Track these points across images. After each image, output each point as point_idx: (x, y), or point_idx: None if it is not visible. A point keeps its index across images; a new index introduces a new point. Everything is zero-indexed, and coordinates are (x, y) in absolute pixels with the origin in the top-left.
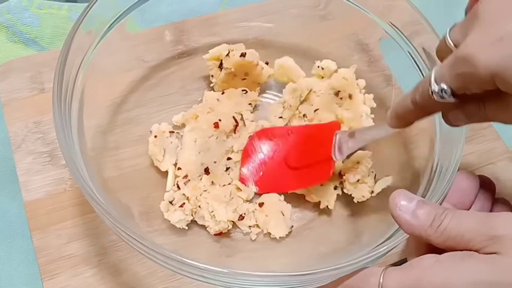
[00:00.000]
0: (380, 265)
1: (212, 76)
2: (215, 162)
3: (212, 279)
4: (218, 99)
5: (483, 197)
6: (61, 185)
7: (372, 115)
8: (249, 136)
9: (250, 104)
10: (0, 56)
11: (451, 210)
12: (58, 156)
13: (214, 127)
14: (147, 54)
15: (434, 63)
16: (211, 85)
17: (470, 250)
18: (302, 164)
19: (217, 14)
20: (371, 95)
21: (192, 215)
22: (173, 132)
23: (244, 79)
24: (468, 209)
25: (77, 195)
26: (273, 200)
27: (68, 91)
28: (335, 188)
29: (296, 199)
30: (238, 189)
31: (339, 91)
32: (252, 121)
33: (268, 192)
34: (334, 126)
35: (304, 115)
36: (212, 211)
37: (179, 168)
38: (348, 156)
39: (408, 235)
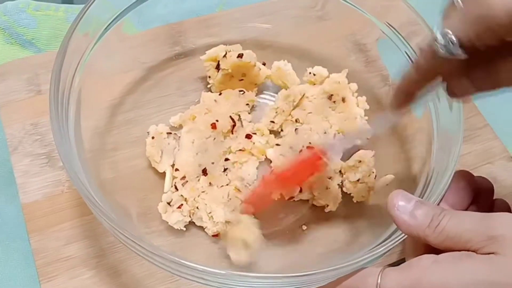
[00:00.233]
0: (379, 265)
1: (209, 77)
2: (212, 163)
3: (210, 281)
4: (215, 100)
5: (481, 197)
6: (58, 187)
7: (366, 117)
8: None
9: (247, 104)
10: None
11: (449, 211)
12: (56, 158)
13: (212, 128)
14: (144, 55)
15: None
16: (208, 86)
17: (468, 251)
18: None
19: (214, 15)
20: (364, 98)
21: (190, 216)
22: (170, 133)
23: (242, 80)
24: (466, 210)
25: (75, 197)
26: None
27: (65, 92)
28: (339, 185)
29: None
30: (236, 189)
31: (332, 95)
32: (250, 121)
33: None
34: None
35: (296, 120)
36: (210, 212)
37: (176, 169)
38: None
39: (406, 236)
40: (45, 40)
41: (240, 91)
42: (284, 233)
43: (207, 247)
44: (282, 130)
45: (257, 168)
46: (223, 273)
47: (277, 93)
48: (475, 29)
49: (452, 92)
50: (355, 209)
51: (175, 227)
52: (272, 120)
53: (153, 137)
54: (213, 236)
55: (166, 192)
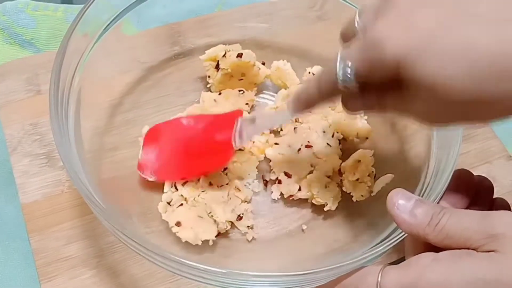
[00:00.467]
0: (378, 264)
1: (209, 76)
2: None
3: (211, 280)
4: (215, 100)
5: (481, 196)
6: (58, 187)
7: (366, 117)
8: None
9: (247, 104)
10: None
11: (449, 209)
12: (55, 158)
13: None
14: (143, 56)
15: None
16: (208, 85)
17: (468, 249)
18: (202, 150)
19: (213, 15)
20: None
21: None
22: None
23: (241, 79)
24: (466, 209)
25: (75, 197)
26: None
27: (64, 93)
28: (338, 184)
29: (297, 200)
30: (236, 189)
31: None
32: None
33: (167, 180)
34: (237, 114)
35: (296, 119)
36: (210, 212)
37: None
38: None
39: (406, 234)
40: (44, 40)
41: (239, 90)
42: (284, 232)
43: (207, 246)
44: (281, 130)
45: (257, 167)
46: (224, 272)
47: (276, 93)
48: (369, 66)
49: (345, 106)
50: (355, 208)
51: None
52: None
53: None
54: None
55: (166, 192)
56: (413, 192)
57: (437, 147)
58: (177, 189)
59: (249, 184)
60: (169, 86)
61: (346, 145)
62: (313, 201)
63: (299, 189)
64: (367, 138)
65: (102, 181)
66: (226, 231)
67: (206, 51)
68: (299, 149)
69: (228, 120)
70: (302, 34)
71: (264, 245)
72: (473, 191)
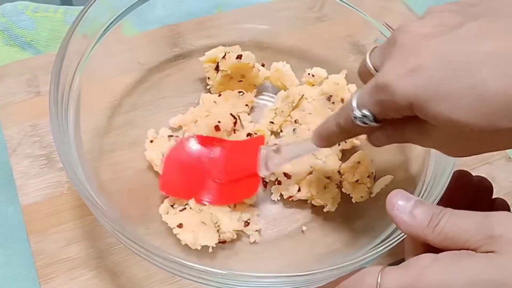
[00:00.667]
0: (378, 265)
1: (208, 78)
2: None
3: (211, 281)
4: (214, 101)
5: (480, 197)
6: (58, 188)
7: None
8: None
9: (246, 105)
10: None
11: (448, 210)
12: (55, 159)
13: (216, 130)
14: (143, 57)
15: None
16: (208, 87)
17: (467, 250)
18: (227, 179)
19: (213, 16)
20: None
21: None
22: (172, 136)
23: (241, 81)
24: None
25: (75, 198)
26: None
27: (64, 94)
28: (337, 185)
29: (297, 201)
30: None
31: (330, 96)
32: (251, 122)
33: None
34: (259, 141)
35: (295, 121)
36: (216, 222)
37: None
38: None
39: (405, 235)
40: (44, 42)
41: (239, 92)
42: (284, 233)
43: (207, 247)
44: (281, 131)
45: None
46: (224, 273)
47: (276, 94)
48: (383, 108)
49: (370, 141)
50: (354, 209)
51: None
52: (272, 121)
53: (151, 141)
54: (219, 242)
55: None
56: (412, 193)
57: None
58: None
59: None
60: (169, 88)
61: (345, 147)
62: (313, 202)
63: (299, 190)
64: (367, 139)
65: (102, 182)
66: (232, 240)
67: (205, 53)
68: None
69: (252, 147)
70: (302, 35)
71: (264, 246)
72: (473, 192)
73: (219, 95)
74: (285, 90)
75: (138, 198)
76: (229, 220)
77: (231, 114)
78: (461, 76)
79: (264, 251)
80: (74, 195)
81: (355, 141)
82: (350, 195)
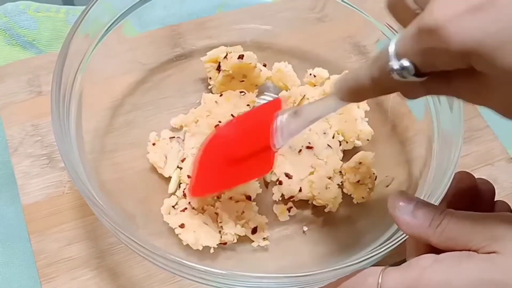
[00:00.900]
0: (379, 266)
1: (210, 78)
2: None
3: (211, 281)
4: (216, 101)
5: (482, 199)
6: (59, 188)
7: (367, 118)
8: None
9: (248, 105)
10: None
11: (450, 211)
12: (57, 159)
13: None
14: (144, 57)
15: None
16: (209, 87)
17: (469, 250)
18: (241, 157)
19: (214, 16)
20: None
21: None
22: (173, 137)
23: (242, 81)
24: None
25: (76, 198)
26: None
27: (66, 94)
28: (339, 186)
29: (298, 202)
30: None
31: None
32: None
33: (202, 195)
34: (275, 105)
35: None
36: (220, 222)
37: (189, 177)
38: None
39: (407, 236)
40: (46, 42)
41: (240, 92)
42: (285, 234)
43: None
44: None
45: None
46: (224, 273)
47: (277, 94)
48: (430, 58)
49: (405, 96)
50: (356, 210)
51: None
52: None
53: (153, 144)
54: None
55: (173, 193)
56: (414, 194)
57: (438, 149)
58: (185, 196)
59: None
60: (170, 88)
61: (347, 147)
62: (314, 202)
63: (300, 190)
64: (368, 140)
65: (103, 182)
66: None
67: (207, 53)
68: (300, 150)
69: (267, 113)
70: (303, 35)
71: (265, 247)
72: (474, 194)
73: (221, 95)
74: (286, 91)
75: (139, 198)
76: (233, 224)
77: (232, 115)
78: None
79: (264, 251)
80: (75, 194)
81: (357, 141)
82: (352, 196)
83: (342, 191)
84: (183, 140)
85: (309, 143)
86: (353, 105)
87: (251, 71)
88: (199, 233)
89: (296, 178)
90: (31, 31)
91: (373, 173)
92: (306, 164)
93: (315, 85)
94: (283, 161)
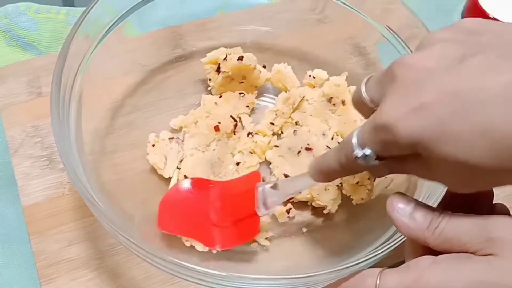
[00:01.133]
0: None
1: (209, 79)
2: (222, 161)
3: (211, 282)
4: (215, 103)
5: (480, 202)
6: (59, 189)
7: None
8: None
9: (247, 107)
10: None
11: (448, 213)
12: (57, 160)
13: (215, 130)
14: (144, 58)
15: None
16: (209, 88)
17: (467, 252)
18: (226, 221)
19: (215, 18)
20: None
21: None
22: (172, 138)
23: (242, 82)
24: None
25: (76, 199)
26: None
27: (66, 95)
28: (338, 187)
29: (297, 203)
30: None
31: (331, 98)
32: (251, 122)
33: (171, 233)
34: (255, 177)
35: (296, 123)
36: None
37: (186, 177)
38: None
39: (405, 238)
40: (46, 43)
41: (240, 93)
42: (284, 235)
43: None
44: (282, 133)
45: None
46: (224, 275)
47: (277, 96)
48: (385, 147)
49: (372, 175)
50: (355, 212)
51: None
52: (272, 122)
53: (153, 145)
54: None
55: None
56: (413, 196)
57: None
58: None
59: None
60: (170, 89)
61: None
62: (313, 204)
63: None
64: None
65: (103, 183)
66: None
67: (207, 54)
68: (299, 152)
69: (248, 184)
70: (303, 37)
71: (264, 248)
72: (473, 196)
73: (220, 97)
74: (286, 92)
75: (139, 199)
76: None
77: (231, 116)
78: (469, 115)
79: (264, 252)
80: (75, 196)
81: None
82: (351, 197)
83: (341, 193)
84: (183, 141)
85: (308, 144)
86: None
87: (251, 73)
88: None
89: None
90: (32, 32)
91: None
92: (305, 166)
93: (314, 87)
94: (283, 162)
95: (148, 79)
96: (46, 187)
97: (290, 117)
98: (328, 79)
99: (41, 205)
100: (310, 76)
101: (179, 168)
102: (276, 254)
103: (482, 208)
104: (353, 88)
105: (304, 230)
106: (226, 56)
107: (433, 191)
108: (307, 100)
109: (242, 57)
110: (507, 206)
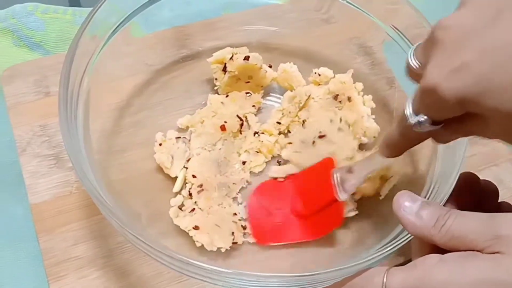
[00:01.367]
0: (384, 266)
1: (216, 79)
2: (225, 157)
3: (218, 280)
4: (222, 102)
5: (486, 200)
6: (67, 188)
7: (373, 116)
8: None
9: (254, 106)
10: (5, 61)
11: (454, 211)
12: (64, 159)
13: (221, 130)
14: (151, 58)
15: None
16: (215, 88)
17: (473, 250)
18: (310, 212)
19: (221, 18)
20: (370, 96)
21: None
22: (179, 137)
23: (248, 82)
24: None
25: (83, 198)
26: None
27: (73, 94)
28: None
29: None
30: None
31: (337, 95)
32: (258, 122)
33: (268, 243)
34: (329, 164)
35: (303, 121)
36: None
37: (194, 176)
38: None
39: (412, 236)
40: (53, 43)
41: (246, 93)
42: None
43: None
44: (289, 131)
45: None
46: (230, 272)
47: (283, 95)
48: (436, 110)
49: (436, 141)
50: (362, 210)
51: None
52: (279, 121)
53: (160, 144)
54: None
55: (178, 192)
56: (419, 194)
57: (443, 149)
58: (191, 196)
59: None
60: (176, 89)
61: None
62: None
63: None
64: (374, 137)
65: (111, 182)
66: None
67: (213, 54)
68: (313, 142)
69: (323, 171)
70: (309, 36)
71: (270, 246)
72: (479, 194)
73: (227, 96)
74: (291, 91)
75: (146, 198)
76: (226, 233)
77: (237, 116)
78: (509, 67)
79: (269, 250)
80: (82, 194)
81: (363, 138)
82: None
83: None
84: (189, 140)
85: (320, 132)
86: (359, 103)
87: (257, 72)
88: (213, 234)
89: None
90: (39, 32)
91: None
92: (323, 153)
93: (319, 84)
94: (301, 157)
95: (155, 79)
96: (53, 185)
97: (297, 115)
98: (333, 77)
99: (48, 204)
100: (315, 73)
101: (186, 168)
102: (283, 252)
103: (488, 206)
104: (358, 85)
105: None
106: (232, 56)
107: (439, 190)
108: (313, 98)
109: (248, 56)
110: None
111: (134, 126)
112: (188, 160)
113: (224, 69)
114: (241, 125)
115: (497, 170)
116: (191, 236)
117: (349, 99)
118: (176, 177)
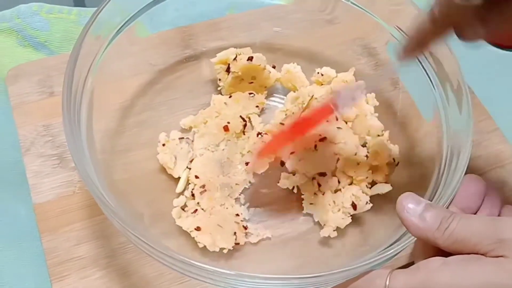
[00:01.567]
0: (387, 268)
1: (219, 79)
2: (232, 161)
3: (220, 281)
4: (225, 103)
5: (490, 202)
6: (70, 188)
7: (376, 114)
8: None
9: (257, 106)
10: (10, 60)
11: (458, 214)
12: (67, 159)
13: (224, 130)
14: (155, 58)
15: (441, 66)
16: (219, 88)
17: (476, 254)
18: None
19: (224, 18)
20: (373, 94)
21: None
22: (182, 138)
23: (251, 82)
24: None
25: (86, 198)
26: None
27: (77, 94)
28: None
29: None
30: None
31: None
32: (261, 123)
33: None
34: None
35: None
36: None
37: (196, 177)
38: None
39: (415, 238)
40: (58, 43)
41: (250, 93)
42: (293, 234)
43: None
44: None
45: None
46: (233, 274)
47: (286, 96)
48: None
49: (463, 36)
50: (365, 212)
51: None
52: (282, 122)
53: (163, 144)
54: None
55: (181, 193)
56: (422, 196)
57: (447, 151)
58: (194, 197)
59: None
60: (180, 89)
61: None
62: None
63: (339, 182)
64: (378, 135)
65: (114, 182)
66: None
67: (217, 54)
68: (315, 146)
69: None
70: (312, 37)
71: (273, 247)
72: (483, 197)
73: (230, 97)
74: (295, 91)
75: (149, 198)
76: (228, 234)
77: (240, 116)
78: None
79: (272, 252)
80: (85, 194)
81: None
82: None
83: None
84: (192, 141)
85: (320, 135)
86: (362, 101)
87: (260, 73)
88: (215, 235)
89: (328, 172)
90: (43, 32)
91: (393, 160)
92: (329, 154)
93: (322, 84)
94: (305, 165)
95: (159, 79)
96: (56, 185)
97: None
98: (336, 76)
99: (52, 203)
100: (318, 73)
101: (189, 168)
102: (285, 253)
103: (491, 209)
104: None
105: (312, 230)
106: (236, 56)
107: (443, 192)
108: (316, 98)
109: (252, 57)
110: None
111: (138, 126)
112: (191, 160)
113: (228, 70)
114: (244, 125)
115: (502, 172)
116: (193, 237)
117: None
118: (179, 178)
